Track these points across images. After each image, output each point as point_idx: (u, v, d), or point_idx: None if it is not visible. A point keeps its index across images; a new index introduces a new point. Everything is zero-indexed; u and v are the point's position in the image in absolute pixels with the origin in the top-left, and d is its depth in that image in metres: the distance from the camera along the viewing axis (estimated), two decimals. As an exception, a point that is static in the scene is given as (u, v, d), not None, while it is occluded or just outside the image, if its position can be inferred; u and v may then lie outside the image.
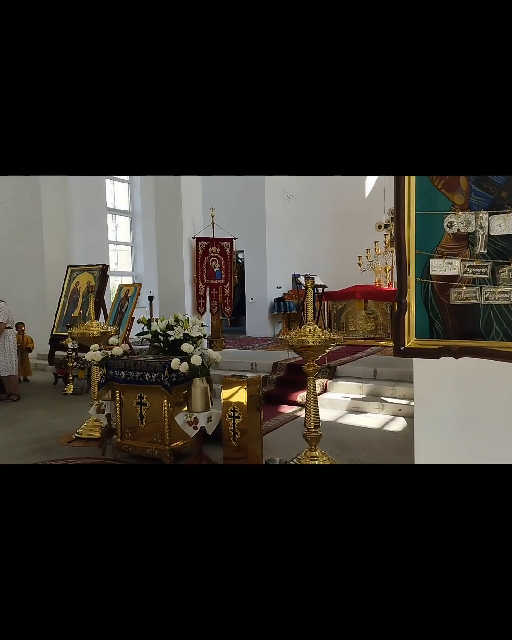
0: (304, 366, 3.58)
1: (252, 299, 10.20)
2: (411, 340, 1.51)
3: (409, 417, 4.99)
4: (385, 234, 9.31)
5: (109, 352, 4.14)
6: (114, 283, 9.92)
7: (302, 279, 8.10)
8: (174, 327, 4.15)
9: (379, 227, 9.49)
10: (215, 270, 7.98)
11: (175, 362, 3.73)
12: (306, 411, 3.57)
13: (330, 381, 5.80)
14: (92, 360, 4.16)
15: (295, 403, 5.58)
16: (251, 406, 3.68)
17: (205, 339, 4.65)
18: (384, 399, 5.38)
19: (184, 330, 4.09)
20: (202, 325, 4.30)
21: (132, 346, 6.68)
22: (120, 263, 11.04)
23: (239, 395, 3.64)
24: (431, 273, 1.55)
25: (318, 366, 3.60)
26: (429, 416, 1.83)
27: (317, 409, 3.56)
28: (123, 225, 11.09)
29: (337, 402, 5.43)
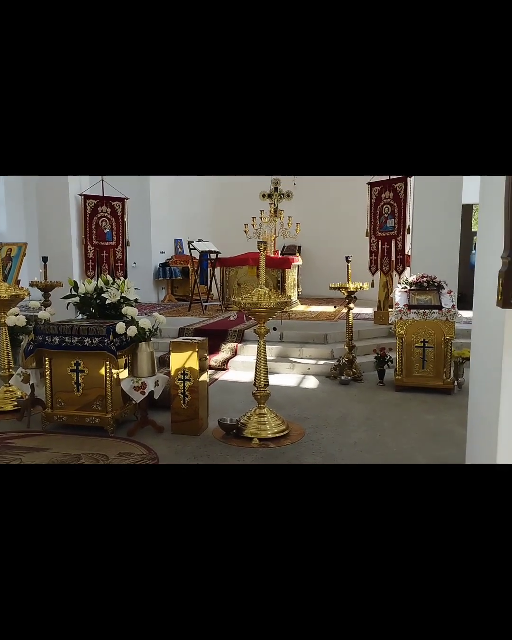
0: (255, 328, 3.72)
1: (134, 263, 9.81)
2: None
3: (319, 376, 5.45)
4: (270, 203, 9.62)
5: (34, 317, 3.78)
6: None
7: (196, 244, 8.06)
8: (108, 290, 3.93)
9: (263, 196, 9.76)
10: (105, 231, 7.51)
11: (120, 326, 3.57)
12: (255, 371, 3.73)
13: (240, 345, 5.99)
14: (15, 325, 3.75)
15: (209, 367, 5.66)
16: (200, 369, 3.71)
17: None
18: (293, 359, 5.76)
19: (121, 292, 3.91)
20: (135, 288, 4.14)
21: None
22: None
23: (191, 358, 3.64)
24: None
25: (268, 329, 3.76)
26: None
27: (267, 369, 3.75)
28: (-22, 175, 9.73)
29: (249, 364, 5.62)
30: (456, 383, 4.85)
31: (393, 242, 6.85)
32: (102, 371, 3.65)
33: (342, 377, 5.18)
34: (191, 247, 8.08)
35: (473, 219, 11.01)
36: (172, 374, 3.68)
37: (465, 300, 5.72)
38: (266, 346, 5.87)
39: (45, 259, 5.98)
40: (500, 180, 1.67)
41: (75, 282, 4.06)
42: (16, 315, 3.77)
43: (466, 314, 5.53)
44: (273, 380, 5.28)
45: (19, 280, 6.33)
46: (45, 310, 3.86)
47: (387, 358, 5.18)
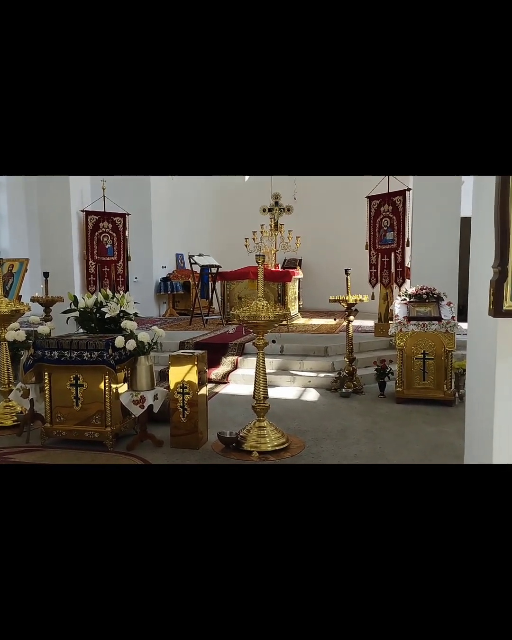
0: (254, 341, 3.72)
1: (136, 278, 9.87)
2: (508, 303, 1.60)
3: (320, 388, 5.43)
4: (270, 218, 9.69)
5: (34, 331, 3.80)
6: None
7: (197, 259, 8.11)
8: (108, 304, 3.96)
9: (264, 210, 9.83)
10: (106, 246, 7.58)
11: (119, 340, 3.58)
12: (255, 383, 3.72)
13: (240, 358, 5.99)
14: (15, 340, 3.77)
15: (209, 380, 5.66)
16: (199, 382, 3.71)
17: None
18: (294, 372, 5.75)
19: (120, 306, 3.93)
20: (135, 302, 4.17)
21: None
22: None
23: (191, 372, 3.64)
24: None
25: (267, 341, 3.76)
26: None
27: (266, 382, 3.74)
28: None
29: (250, 377, 5.59)
30: (456, 395, 4.83)
31: (393, 254, 6.88)
32: (102, 385, 3.65)
33: (343, 390, 5.16)
34: (192, 261, 8.13)
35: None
36: (171, 388, 3.68)
37: (465, 311, 5.71)
38: (267, 359, 5.89)
39: (46, 275, 6.03)
40: (491, 193, 1.69)
41: (75, 296, 4.08)
42: (16, 330, 3.79)
43: (465, 325, 5.53)
44: (273, 393, 5.27)
45: (21, 296, 6.37)
46: (45, 325, 3.88)
47: (388, 370, 5.17)
